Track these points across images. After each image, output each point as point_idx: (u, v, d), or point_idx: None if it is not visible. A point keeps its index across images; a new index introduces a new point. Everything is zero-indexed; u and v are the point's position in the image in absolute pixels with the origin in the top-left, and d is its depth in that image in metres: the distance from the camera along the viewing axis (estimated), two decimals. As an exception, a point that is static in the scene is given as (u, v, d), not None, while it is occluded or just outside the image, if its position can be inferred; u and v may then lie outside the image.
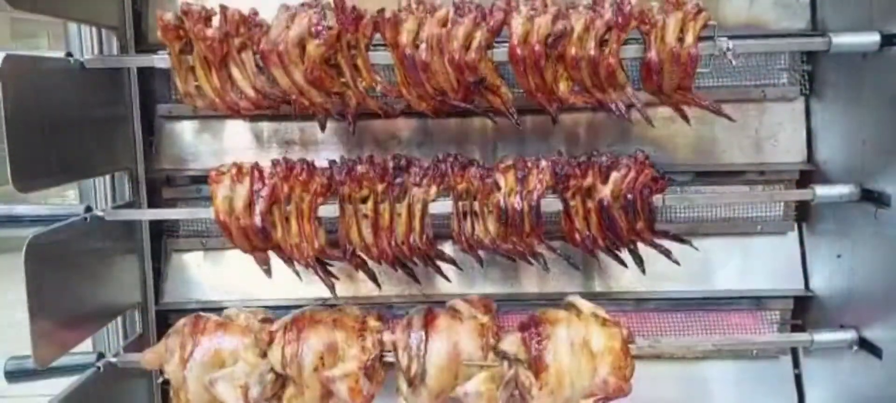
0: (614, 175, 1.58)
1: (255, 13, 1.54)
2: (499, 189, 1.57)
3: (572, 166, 1.59)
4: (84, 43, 1.72)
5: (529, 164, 1.59)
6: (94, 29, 1.72)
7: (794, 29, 1.83)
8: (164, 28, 1.52)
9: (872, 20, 1.58)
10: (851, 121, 1.72)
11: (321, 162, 1.64)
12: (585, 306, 1.60)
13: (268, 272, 1.65)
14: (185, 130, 1.91)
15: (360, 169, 1.57)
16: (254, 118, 1.89)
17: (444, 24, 1.50)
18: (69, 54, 1.62)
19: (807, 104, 1.88)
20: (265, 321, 1.62)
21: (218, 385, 1.54)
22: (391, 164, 1.57)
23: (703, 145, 1.88)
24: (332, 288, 1.66)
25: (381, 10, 1.52)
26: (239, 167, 1.58)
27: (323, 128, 1.67)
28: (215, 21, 1.52)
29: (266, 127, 1.90)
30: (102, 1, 1.73)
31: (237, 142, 1.91)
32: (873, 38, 1.56)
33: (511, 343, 1.55)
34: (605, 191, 1.58)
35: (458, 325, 1.55)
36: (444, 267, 1.72)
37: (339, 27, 1.49)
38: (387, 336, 1.56)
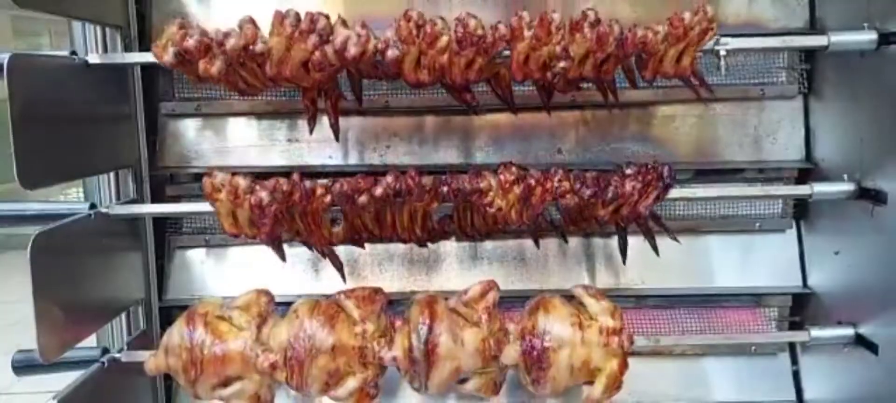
0: (616, 200, 1.60)
1: (254, 42, 1.50)
2: (500, 211, 1.58)
3: (576, 190, 1.59)
4: (88, 41, 1.72)
5: (532, 183, 1.58)
6: (98, 27, 1.72)
7: (792, 27, 1.84)
8: (170, 66, 1.52)
9: (870, 19, 1.59)
10: (849, 120, 1.73)
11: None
12: (592, 307, 1.61)
13: (282, 256, 1.67)
14: (188, 128, 1.92)
15: (361, 200, 1.56)
16: (258, 116, 1.90)
17: (445, 52, 1.50)
18: (73, 53, 1.62)
19: (805, 102, 1.89)
20: (261, 320, 1.62)
21: None
22: (391, 191, 1.56)
23: (703, 143, 1.90)
24: (342, 274, 1.70)
25: (384, 48, 1.50)
26: (235, 188, 1.56)
27: (336, 136, 1.68)
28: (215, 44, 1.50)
29: (270, 124, 1.91)
30: (107, -1, 1.74)
31: (240, 140, 1.92)
32: (871, 37, 1.57)
33: (511, 358, 1.58)
34: (603, 212, 1.61)
35: (460, 350, 1.56)
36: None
37: (340, 64, 1.50)
38: (387, 355, 1.57)
